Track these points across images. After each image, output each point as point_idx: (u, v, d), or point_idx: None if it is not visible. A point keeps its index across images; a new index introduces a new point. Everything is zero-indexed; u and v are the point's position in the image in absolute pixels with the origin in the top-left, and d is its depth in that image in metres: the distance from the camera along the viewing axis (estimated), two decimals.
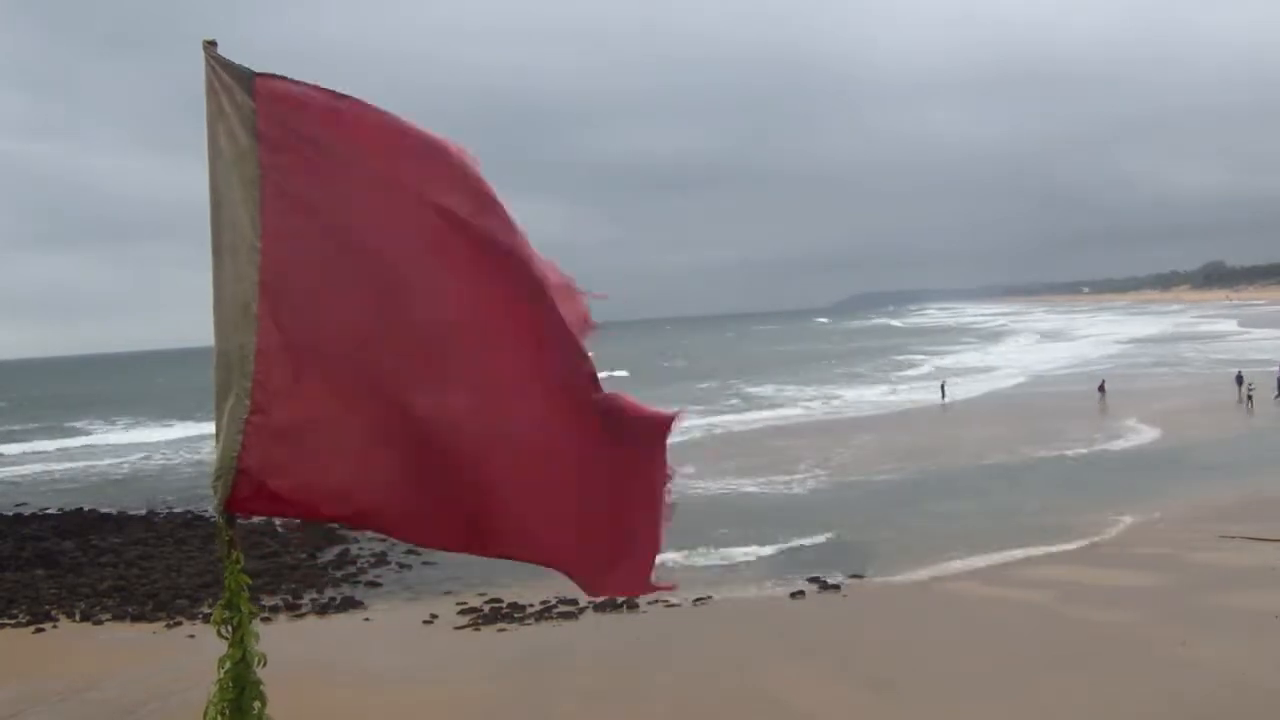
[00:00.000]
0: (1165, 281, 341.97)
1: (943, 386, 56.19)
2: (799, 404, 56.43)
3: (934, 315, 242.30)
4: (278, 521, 27.86)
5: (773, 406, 55.80)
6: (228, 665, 2.95)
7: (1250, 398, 42.46)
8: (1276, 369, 46.13)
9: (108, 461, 47.94)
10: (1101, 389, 48.63)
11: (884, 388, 62.93)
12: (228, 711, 2.92)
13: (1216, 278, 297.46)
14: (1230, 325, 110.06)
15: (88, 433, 62.91)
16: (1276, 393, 43.03)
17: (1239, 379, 44.71)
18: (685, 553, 22.69)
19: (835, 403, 56.06)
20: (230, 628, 2.97)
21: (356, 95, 3.11)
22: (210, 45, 3.04)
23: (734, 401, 59.67)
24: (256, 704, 2.97)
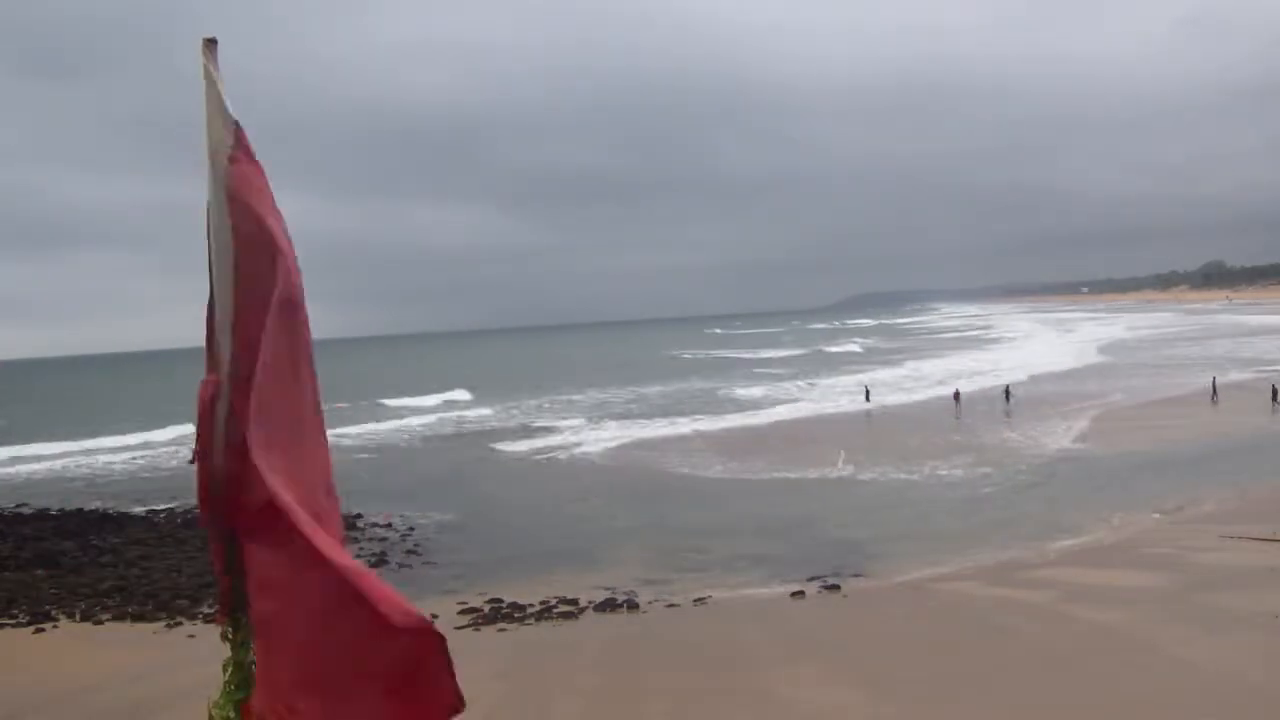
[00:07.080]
0: (1165, 282, 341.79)
1: (867, 390, 56.23)
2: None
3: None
4: None
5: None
6: (230, 670, 2.93)
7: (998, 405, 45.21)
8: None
9: (106, 462, 47.91)
10: (956, 397, 49.82)
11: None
12: (233, 715, 2.90)
13: (1216, 278, 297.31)
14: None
15: (87, 432, 62.80)
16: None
17: (956, 395, 49.52)
18: (685, 553, 22.72)
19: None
20: (234, 629, 2.95)
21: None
22: (211, 44, 2.94)
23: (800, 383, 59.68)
24: None
